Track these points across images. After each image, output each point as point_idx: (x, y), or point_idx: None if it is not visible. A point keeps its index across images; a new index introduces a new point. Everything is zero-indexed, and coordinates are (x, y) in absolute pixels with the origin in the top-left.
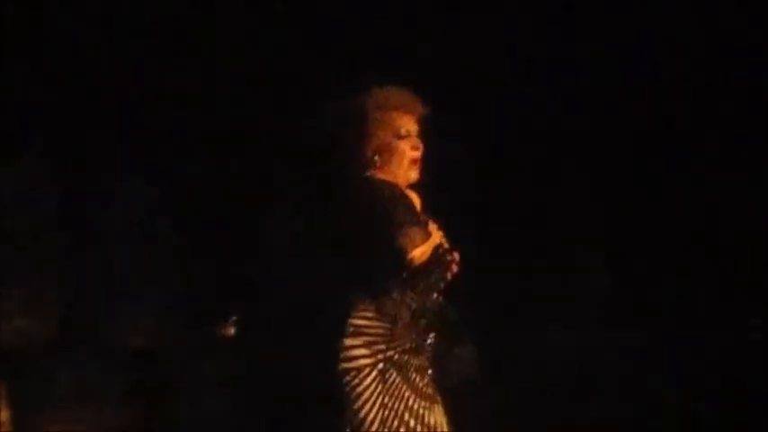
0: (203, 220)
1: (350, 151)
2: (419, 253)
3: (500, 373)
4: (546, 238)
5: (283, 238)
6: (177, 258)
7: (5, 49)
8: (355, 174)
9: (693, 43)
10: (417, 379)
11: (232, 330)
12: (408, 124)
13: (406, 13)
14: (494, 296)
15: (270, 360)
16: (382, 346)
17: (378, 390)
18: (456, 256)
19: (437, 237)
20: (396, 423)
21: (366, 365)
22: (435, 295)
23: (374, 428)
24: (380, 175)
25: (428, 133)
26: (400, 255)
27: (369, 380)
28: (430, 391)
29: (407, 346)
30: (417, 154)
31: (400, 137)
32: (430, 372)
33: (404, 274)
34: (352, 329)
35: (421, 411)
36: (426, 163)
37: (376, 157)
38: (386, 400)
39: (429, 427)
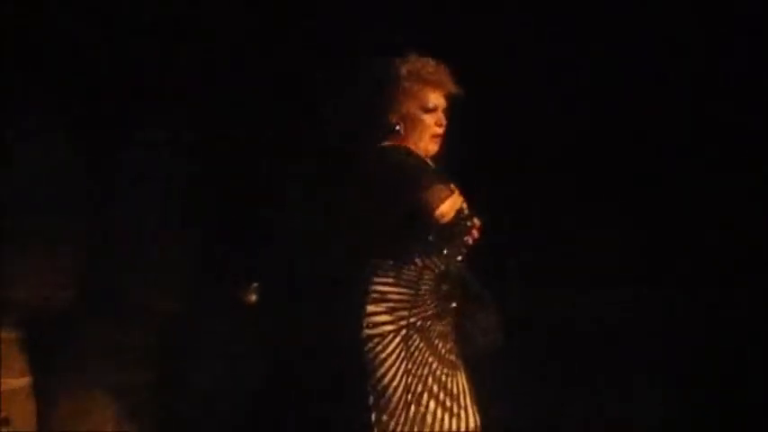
0: (226, 182)
1: (374, 116)
2: (446, 208)
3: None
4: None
5: (305, 204)
6: (198, 220)
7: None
8: (376, 140)
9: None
10: (440, 345)
11: (253, 297)
12: (437, 99)
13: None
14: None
15: (291, 327)
16: (405, 312)
17: (401, 356)
18: (477, 221)
19: (459, 199)
20: (419, 388)
21: (389, 332)
22: (457, 260)
23: (398, 395)
24: (398, 144)
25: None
26: (426, 212)
27: (392, 346)
28: (452, 357)
29: (430, 311)
30: (440, 130)
31: (427, 110)
32: (452, 338)
33: (430, 236)
34: (374, 296)
35: (444, 378)
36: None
37: (398, 127)
38: (409, 366)
39: (452, 395)
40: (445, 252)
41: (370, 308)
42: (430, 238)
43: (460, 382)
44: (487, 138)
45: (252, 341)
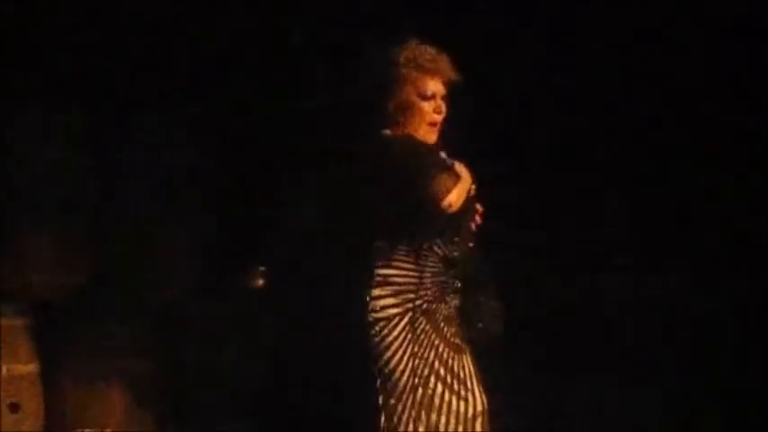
0: (231, 169)
1: (373, 103)
2: (453, 198)
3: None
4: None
5: (311, 189)
6: (207, 206)
7: None
8: (377, 127)
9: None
10: (446, 328)
11: (260, 281)
12: (435, 86)
13: None
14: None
15: (297, 311)
16: (411, 295)
17: (408, 338)
18: (479, 207)
19: (467, 179)
20: (426, 371)
21: (395, 314)
22: (462, 244)
23: (405, 378)
24: (399, 132)
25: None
26: (433, 203)
27: (398, 330)
28: (458, 341)
29: (436, 295)
30: (438, 117)
31: (424, 97)
32: (457, 322)
33: (439, 223)
34: (379, 279)
35: (450, 362)
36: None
37: (396, 114)
38: (416, 348)
39: (459, 378)
40: (449, 235)
41: (376, 291)
42: (439, 223)
43: (467, 365)
44: (490, 128)
45: (258, 328)
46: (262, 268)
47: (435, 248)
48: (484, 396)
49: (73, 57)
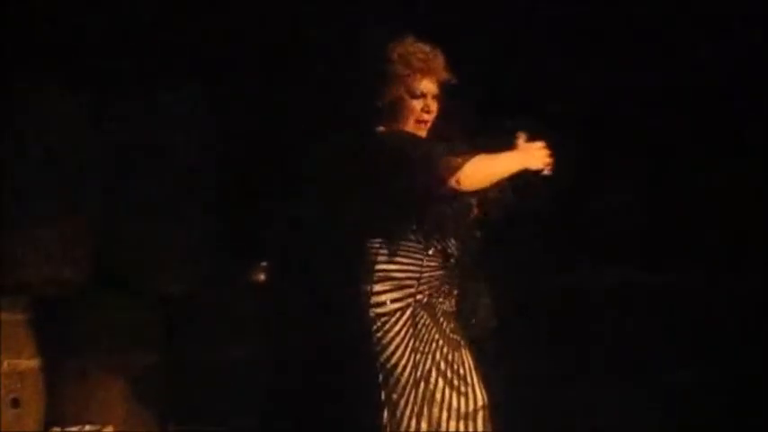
0: (234, 165)
1: (366, 98)
2: (469, 171)
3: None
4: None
5: (312, 187)
6: (209, 202)
7: None
8: (371, 123)
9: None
10: (444, 323)
11: (262, 276)
12: (425, 85)
13: None
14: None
15: (299, 307)
16: (412, 290)
17: (409, 333)
18: (473, 200)
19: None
20: (427, 366)
21: (396, 310)
22: (476, 235)
23: (407, 373)
24: (388, 129)
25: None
26: (442, 182)
27: (399, 325)
28: (456, 336)
29: (436, 289)
30: (426, 116)
31: (414, 96)
32: (455, 317)
33: (447, 213)
34: (380, 275)
35: (450, 357)
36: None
37: (387, 111)
38: (417, 344)
39: (459, 374)
40: (449, 229)
41: (377, 287)
42: (446, 214)
43: (466, 361)
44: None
45: (261, 322)
46: (263, 264)
47: (435, 243)
48: (484, 391)
49: (77, 50)
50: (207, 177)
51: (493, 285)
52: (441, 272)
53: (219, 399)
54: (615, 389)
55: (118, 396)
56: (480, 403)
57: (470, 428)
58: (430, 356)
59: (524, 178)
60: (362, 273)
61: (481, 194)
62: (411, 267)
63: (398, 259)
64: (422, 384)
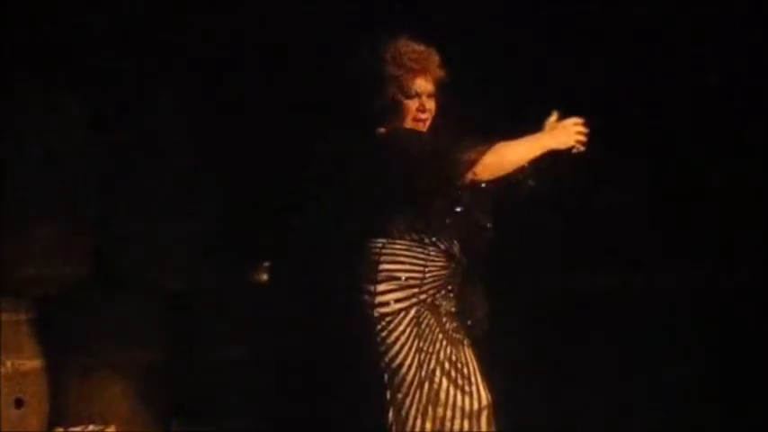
0: (237, 164)
1: (362, 99)
2: (488, 159)
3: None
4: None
5: (314, 187)
6: (213, 201)
7: None
8: (370, 123)
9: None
10: (447, 324)
11: (264, 276)
12: (419, 85)
13: None
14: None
15: (301, 307)
16: (415, 290)
17: (413, 333)
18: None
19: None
20: (432, 366)
21: (401, 310)
22: (466, 236)
23: (411, 373)
24: (384, 130)
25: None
26: (459, 173)
27: (404, 325)
28: (459, 336)
29: (439, 289)
30: (423, 116)
31: (408, 96)
32: (456, 317)
33: (458, 208)
34: (384, 275)
35: (453, 357)
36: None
37: (383, 111)
38: (421, 344)
39: (462, 373)
40: (451, 228)
41: (381, 287)
42: (457, 209)
43: (470, 361)
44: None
45: (264, 322)
46: (266, 264)
47: (438, 243)
48: (487, 391)
49: (77, 50)
50: (207, 176)
51: (493, 285)
52: (444, 272)
53: (221, 398)
54: (615, 389)
55: (120, 395)
56: (484, 402)
57: (474, 428)
58: (434, 356)
59: (549, 160)
60: (366, 273)
61: (501, 180)
62: (415, 267)
63: (402, 259)
64: (426, 384)
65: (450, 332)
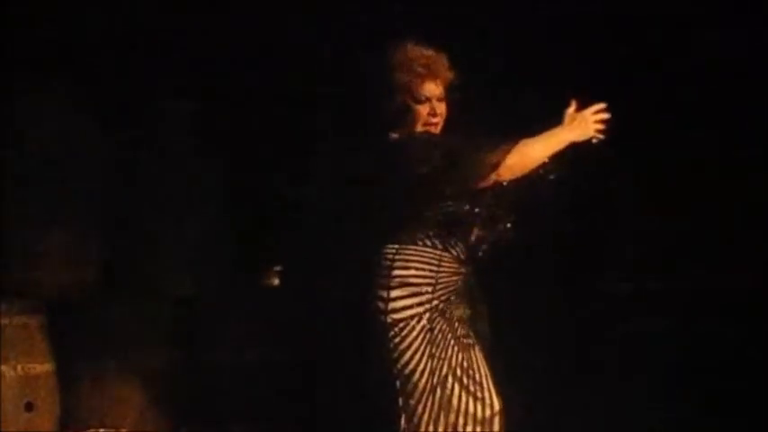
0: (249, 167)
1: (373, 106)
2: (511, 160)
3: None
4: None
5: (327, 192)
6: (222, 205)
7: None
8: (382, 129)
9: None
10: (459, 330)
11: (275, 280)
12: (429, 89)
13: None
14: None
15: (312, 311)
16: (428, 296)
17: (426, 339)
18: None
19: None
20: (444, 372)
21: (414, 315)
22: (508, 227)
23: (424, 379)
24: (398, 135)
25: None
26: (482, 175)
27: (416, 331)
28: (470, 341)
29: (450, 295)
30: (434, 120)
31: (418, 101)
32: (468, 323)
33: (477, 209)
34: (397, 281)
35: (465, 363)
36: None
37: (395, 117)
38: (433, 350)
39: (474, 379)
40: (461, 233)
41: (394, 293)
42: (477, 209)
43: (481, 366)
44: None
45: (275, 326)
46: (277, 268)
47: (450, 248)
48: (499, 397)
49: (77, 50)
50: (220, 179)
51: (495, 289)
52: (456, 277)
53: (230, 402)
54: (615, 389)
55: (131, 399)
56: (497, 408)
57: None
58: (446, 362)
59: (569, 154)
60: (379, 278)
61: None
62: (427, 273)
63: (415, 265)
64: (438, 390)
65: (462, 338)
